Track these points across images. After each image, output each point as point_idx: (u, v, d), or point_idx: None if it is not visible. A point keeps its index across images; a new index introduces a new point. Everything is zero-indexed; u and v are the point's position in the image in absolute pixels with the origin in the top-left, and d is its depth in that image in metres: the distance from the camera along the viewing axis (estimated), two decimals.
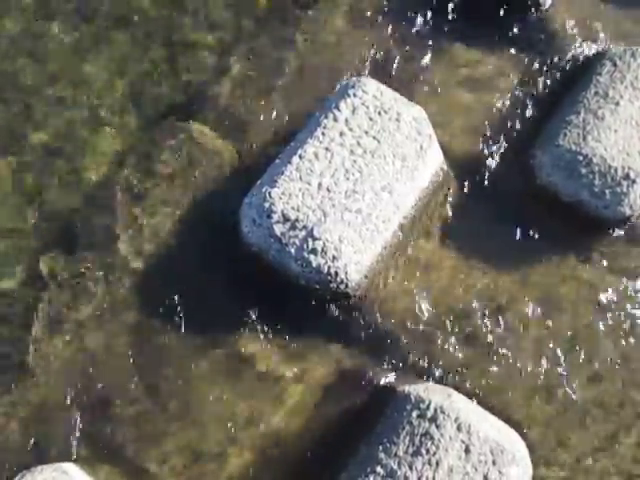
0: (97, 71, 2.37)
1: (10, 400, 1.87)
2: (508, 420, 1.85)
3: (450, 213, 2.19)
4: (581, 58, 2.50)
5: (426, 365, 1.96)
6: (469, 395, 1.88)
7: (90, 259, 2.06)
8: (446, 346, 1.99)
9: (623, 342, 2.04)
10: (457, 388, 1.89)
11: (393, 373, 1.95)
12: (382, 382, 1.93)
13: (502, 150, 2.31)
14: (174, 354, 1.94)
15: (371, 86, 2.16)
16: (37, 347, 1.93)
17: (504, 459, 1.72)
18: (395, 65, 2.45)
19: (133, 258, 2.06)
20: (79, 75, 2.36)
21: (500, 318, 2.05)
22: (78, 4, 2.49)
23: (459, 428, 1.74)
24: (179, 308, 1.99)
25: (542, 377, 1.97)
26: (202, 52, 2.43)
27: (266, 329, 1.98)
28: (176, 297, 2.00)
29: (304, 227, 1.92)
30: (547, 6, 2.60)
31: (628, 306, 2.09)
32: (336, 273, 1.92)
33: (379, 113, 2.12)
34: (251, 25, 2.50)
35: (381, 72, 2.41)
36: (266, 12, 2.54)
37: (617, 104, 2.23)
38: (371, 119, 2.11)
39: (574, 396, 1.95)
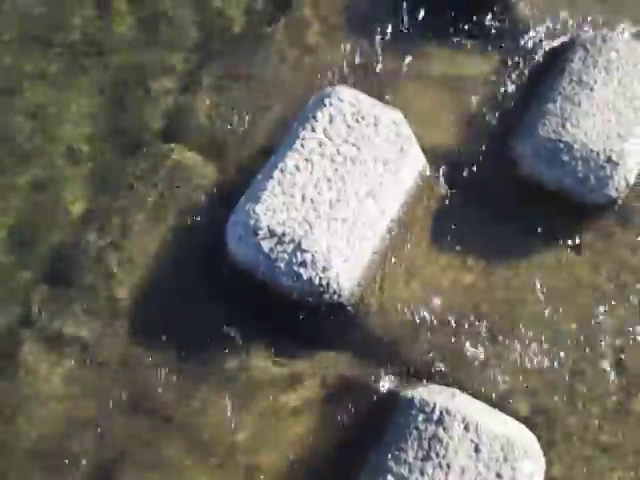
0: (72, 103, 2.36)
1: None
2: (515, 416, 1.83)
3: (437, 212, 2.19)
4: (552, 47, 2.51)
5: (428, 367, 1.94)
6: (473, 394, 1.86)
7: (76, 287, 2.03)
8: (446, 346, 1.97)
9: (625, 329, 2.03)
10: (461, 387, 1.87)
11: (395, 379, 1.93)
12: (385, 389, 1.91)
13: (483, 145, 2.32)
14: (170, 377, 1.91)
15: (346, 94, 2.16)
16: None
17: (516, 454, 1.70)
18: (369, 72, 2.46)
19: (120, 285, 2.04)
20: (55, 107, 2.35)
21: (498, 315, 2.03)
22: (49, 36, 2.49)
23: (467, 428, 1.72)
24: (172, 333, 1.97)
25: (547, 371, 1.95)
26: (175, 74, 2.43)
27: (263, 347, 1.95)
28: (168, 322, 1.98)
29: (291, 241, 1.91)
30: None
31: (626, 291, 2.08)
32: (328, 284, 1.91)
33: (356, 120, 2.12)
34: (223, 44, 2.51)
35: (356, 80, 2.41)
36: (238, 31, 2.54)
37: (592, 89, 2.23)
38: (349, 126, 2.10)
39: (581, 390, 1.93)
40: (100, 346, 1.95)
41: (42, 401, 1.88)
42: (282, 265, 1.89)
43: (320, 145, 2.06)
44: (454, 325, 2.01)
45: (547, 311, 2.04)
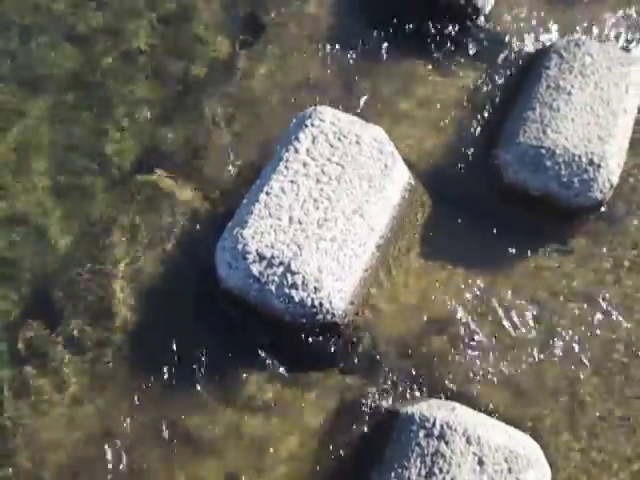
0: (57, 136, 2.37)
1: None
2: (517, 426, 1.82)
3: (425, 225, 2.19)
4: (528, 55, 2.55)
5: (426, 382, 1.93)
6: (474, 406, 1.84)
7: (68, 321, 2.01)
8: (442, 360, 1.96)
9: (621, 332, 2.02)
10: (460, 401, 1.86)
11: (394, 395, 1.91)
12: (384, 406, 1.89)
13: (466, 156, 2.33)
14: (162, 402, 1.89)
15: (327, 113, 2.17)
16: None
17: (519, 465, 1.68)
18: (349, 91, 2.48)
19: (109, 317, 2.02)
20: (39, 141, 2.36)
21: (493, 324, 2.02)
22: (33, 72, 2.52)
23: (468, 441, 1.70)
24: (165, 362, 1.95)
25: (546, 379, 1.94)
26: (156, 104, 2.45)
27: (259, 371, 1.93)
28: (161, 351, 1.96)
29: (281, 263, 1.90)
30: (487, 11, 2.66)
31: (618, 291, 2.08)
32: (321, 304, 1.89)
33: (339, 138, 2.13)
34: (202, 73, 2.53)
35: (337, 99, 2.43)
36: (216, 57, 2.57)
37: (569, 93, 2.26)
38: (332, 145, 2.11)
39: (577, 396, 1.92)
40: (91, 378, 1.93)
41: (55, 426, 1.86)
42: (273, 288, 1.88)
43: (304, 166, 2.07)
44: (450, 338, 2.00)
45: (542, 317, 2.03)
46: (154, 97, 2.47)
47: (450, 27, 2.61)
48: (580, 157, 2.12)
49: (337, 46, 2.59)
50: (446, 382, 1.93)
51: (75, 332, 2.00)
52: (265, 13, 2.67)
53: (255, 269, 1.90)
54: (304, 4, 2.70)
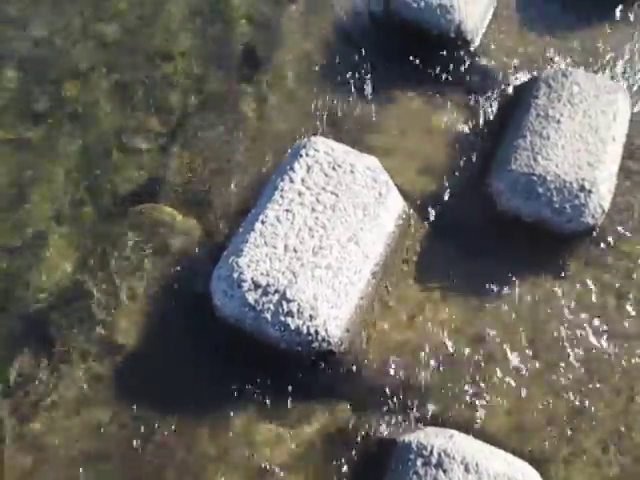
0: (53, 168, 2.40)
1: None
2: (516, 454, 1.80)
3: (420, 253, 2.21)
4: (517, 85, 2.61)
5: (422, 410, 1.92)
6: (472, 434, 1.83)
7: (63, 350, 2.00)
8: (440, 387, 1.95)
9: (617, 359, 2.02)
10: (458, 428, 1.84)
11: (391, 424, 1.89)
12: (381, 435, 1.87)
13: (459, 184, 2.36)
14: (157, 434, 1.87)
15: (321, 144, 2.21)
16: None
17: None
18: (343, 121, 2.52)
19: (106, 346, 2.01)
20: (35, 172, 2.39)
21: (489, 352, 2.02)
22: (32, 103, 2.56)
23: (467, 469, 1.68)
24: (161, 391, 1.94)
25: (543, 407, 1.93)
26: (153, 134, 2.49)
27: (254, 399, 1.92)
28: (157, 381, 1.95)
29: (276, 291, 1.91)
30: (477, 43, 2.73)
31: (612, 317, 2.09)
32: (316, 332, 1.89)
33: (333, 168, 2.16)
34: (198, 104, 2.58)
35: (331, 130, 2.48)
36: (212, 89, 2.62)
37: (559, 122, 2.30)
38: (326, 175, 2.14)
39: (576, 424, 1.90)
40: (85, 409, 1.91)
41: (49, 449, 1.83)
42: (268, 316, 1.89)
43: (299, 195, 2.09)
44: (446, 365, 1.99)
45: (537, 344, 2.03)
46: (151, 128, 2.51)
47: (441, 59, 2.67)
48: (571, 183, 2.16)
49: (331, 79, 2.64)
50: (443, 410, 1.92)
51: (70, 361, 1.99)
52: (261, 48, 2.74)
53: (250, 297, 1.90)
54: (299, 39, 2.77)
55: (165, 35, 2.80)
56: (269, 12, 2.89)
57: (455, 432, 1.80)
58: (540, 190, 2.17)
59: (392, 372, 1.98)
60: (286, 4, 2.90)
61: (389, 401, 1.93)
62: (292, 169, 2.14)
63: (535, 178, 2.18)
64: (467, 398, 1.93)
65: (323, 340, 1.90)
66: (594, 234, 2.21)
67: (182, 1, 2.93)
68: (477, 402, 1.93)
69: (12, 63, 2.69)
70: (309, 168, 2.15)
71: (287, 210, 2.06)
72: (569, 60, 2.71)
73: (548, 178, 2.17)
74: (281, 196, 2.08)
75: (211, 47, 2.76)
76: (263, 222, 2.03)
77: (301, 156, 2.17)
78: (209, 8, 2.91)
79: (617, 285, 2.15)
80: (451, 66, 2.66)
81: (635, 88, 2.62)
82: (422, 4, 2.64)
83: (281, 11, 2.88)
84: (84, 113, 2.55)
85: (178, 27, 2.83)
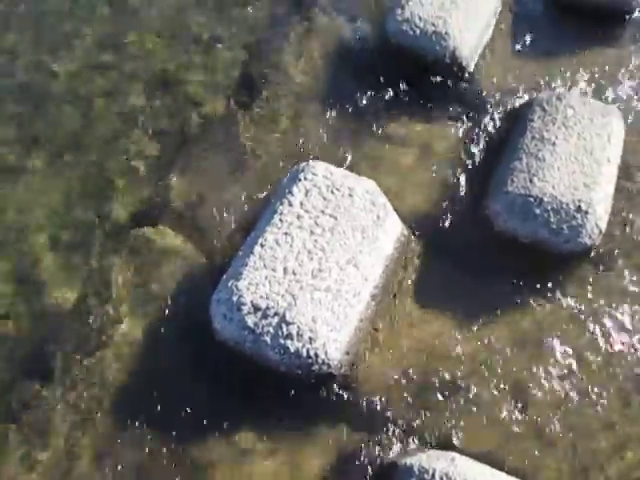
0: (56, 192, 2.43)
1: None
2: (518, 476, 1.78)
3: (418, 275, 2.21)
4: (512, 108, 2.65)
5: (424, 433, 1.90)
6: (472, 456, 1.81)
7: (63, 377, 2.00)
8: (440, 410, 1.94)
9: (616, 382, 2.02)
10: (460, 451, 1.83)
11: (392, 447, 1.88)
12: (382, 459, 1.86)
13: (456, 206, 2.38)
14: (157, 457, 1.86)
15: (320, 167, 2.23)
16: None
17: None
18: (341, 147, 2.55)
19: (107, 371, 2.00)
20: (39, 197, 2.41)
21: (489, 374, 2.01)
22: (34, 130, 2.60)
23: None
24: (161, 414, 1.92)
25: (545, 430, 1.91)
26: (154, 160, 2.52)
27: (254, 423, 1.91)
28: (157, 403, 1.94)
29: (276, 314, 1.91)
30: (472, 68, 2.78)
31: (612, 337, 2.09)
32: (316, 355, 1.89)
33: (332, 191, 2.18)
34: (196, 130, 2.61)
35: (329, 155, 2.50)
36: (210, 115, 2.66)
37: (554, 144, 2.33)
38: (325, 198, 2.16)
39: (579, 448, 1.89)
40: (85, 432, 1.90)
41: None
42: (268, 339, 1.88)
43: (298, 218, 2.11)
44: (447, 388, 1.98)
45: (537, 366, 2.03)
46: (151, 154, 2.54)
47: (437, 83, 2.72)
48: (568, 204, 2.17)
49: (328, 104, 2.68)
50: (445, 432, 1.90)
51: (70, 387, 1.98)
52: (259, 74, 2.79)
53: (250, 320, 1.91)
54: (297, 65, 2.82)
55: (164, 62, 2.85)
56: (267, 39, 2.94)
57: (457, 455, 1.78)
58: (537, 211, 2.18)
59: (392, 394, 1.97)
60: (284, 32, 2.96)
61: (390, 424, 1.92)
62: (291, 193, 2.16)
63: (532, 199, 2.20)
64: (469, 420, 1.92)
65: (323, 363, 1.90)
66: (592, 255, 2.22)
67: (181, 29, 2.99)
68: (480, 424, 1.92)
69: (12, 89, 2.74)
70: (308, 192, 2.17)
71: (286, 233, 2.07)
72: (563, 83, 2.76)
73: (545, 199, 2.19)
74: (280, 219, 2.10)
75: (210, 74, 2.81)
76: (262, 245, 2.04)
77: (300, 180, 2.19)
78: (208, 35, 2.97)
79: (616, 305, 2.15)
80: (447, 90, 2.71)
81: (628, 110, 2.65)
82: (417, 31, 2.69)
83: (279, 38, 2.94)
84: (84, 139, 2.59)
85: (176, 54, 2.88)
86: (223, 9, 3.08)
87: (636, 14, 2.99)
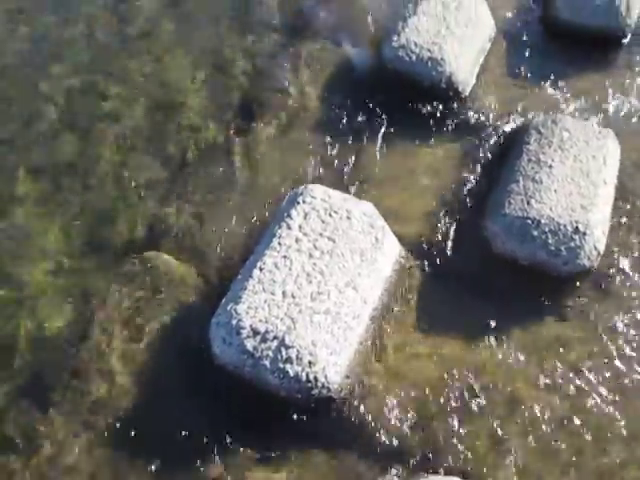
0: (54, 218, 2.43)
1: None
2: None
3: (417, 297, 2.21)
4: (508, 132, 2.67)
5: (424, 458, 1.88)
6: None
7: (61, 402, 1.98)
8: (440, 434, 1.92)
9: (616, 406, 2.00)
10: (463, 475, 1.80)
11: (393, 472, 1.85)
12: None
13: (455, 228, 2.39)
14: None
15: (318, 191, 2.25)
16: None
17: None
18: (339, 169, 2.57)
19: (106, 397, 1.99)
20: (38, 224, 2.42)
21: (490, 397, 2.00)
22: (32, 158, 2.62)
23: None
24: (161, 438, 1.91)
25: (546, 452, 1.89)
26: (153, 184, 2.53)
27: (254, 447, 1.89)
28: (156, 428, 1.93)
29: (275, 337, 1.90)
30: (468, 93, 2.81)
31: (613, 358, 2.08)
32: (316, 378, 1.88)
33: (330, 214, 2.19)
34: (195, 155, 2.63)
35: (327, 178, 2.52)
36: (211, 141, 2.68)
37: (550, 167, 2.35)
38: (323, 221, 2.17)
39: (583, 472, 1.87)
40: (83, 459, 1.88)
41: None
42: (267, 363, 1.87)
43: (297, 241, 2.11)
44: (447, 413, 1.96)
45: (537, 389, 2.01)
46: (149, 179, 2.56)
47: (434, 108, 2.75)
48: (565, 226, 2.18)
49: (327, 128, 2.71)
50: (445, 457, 1.88)
51: (69, 412, 1.97)
52: (258, 99, 2.82)
53: (249, 344, 1.90)
54: (295, 91, 2.85)
55: (165, 88, 2.89)
56: (266, 66, 2.99)
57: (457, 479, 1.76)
58: (535, 233, 2.19)
59: (393, 419, 1.95)
60: (283, 59, 3.01)
61: (392, 448, 1.90)
62: (289, 216, 2.17)
63: (529, 221, 2.21)
64: (469, 445, 1.90)
65: (323, 387, 1.89)
66: (591, 276, 2.23)
67: (181, 55, 3.04)
68: (480, 449, 1.89)
69: (9, 114, 2.76)
70: (306, 215, 2.18)
71: (285, 256, 2.07)
72: (558, 107, 2.79)
73: (542, 221, 2.20)
74: (279, 243, 2.10)
75: (210, 99, 2.85)
76: (261, 269, 2.04)
77: (298, 203, 2.20)
78: (208, 61, 3.01)
79: (616, 326, 2.15)
80: (444, 114, 2.74)
81: (623, 133, 2.68)
82: (414, 57, 2.74)
83: (278, 65, 2.98)
84: (84, 164, 2.61)
85: (177, 80, 2.92)
86: (223, 36, 3.13)
87: (629, 39, 3.05)
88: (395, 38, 2.80)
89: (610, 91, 2.85)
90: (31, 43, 3.06)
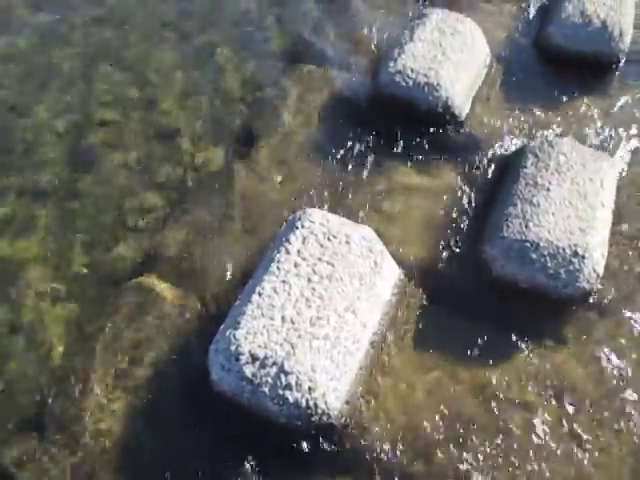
0: (52, 243, 2.43)
1: None
2: None
3: (417, 321, 2.20)
4: (505, 155, 2.69)
5: None
6: None
7: (59, 430, 1.96)
8: (443, 460, 1.90)
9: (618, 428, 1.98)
10: None
11: None
12: None
13: (453, 251, 2.39)
14: None
15: (316, 215, 2.25)
16: None
17: None
18: (337, 195, 2.58)
19: (105, 426, 1.96)
20: (36, 249, 2.41)
21: (489, 424, 1.97)
22: (32, 183, 2.63)
23: None
24: (160, 468, 1.87)
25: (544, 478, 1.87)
26: (152, 210, 2.54)
27: (254, 475, 1.86)
28: (155, 457, 1.90)
29: (274, 363, 1.89)
30: (464, 117, 2.84)
31: (614, 380, 2.06)
32: (316, 405, 1.86)
33: (328, 239, 2.19)
34: (194, 180, 2.65)
35: (326, 203, 2.53)
36: (208, 168, 2.69)
37: (548, 190, 2.36)
38: (322, 245, 2.17)
39: None
40: None
41: None
42: (266, 389, 1.85)
43: (295, 266, 2.11)
44: (447, 438, 1.94)
45: (538, 415, 1.99)
46: (149, 204, 2.56)
47: (431, 131, 2.77)
48: (564, 249, 2.18)
49: (325, 153, 2.73)
50: None
51: (66, 443, 1.94)
52: (257, 126, 2.84)
53: (248, 370, 1.88)
54: (294, 117, 2.88)
55: (164, 115, 2.91)
56: (265, 92, 3.02)
57: None
58: (534, 256, 2.19)
59: (393, 445, 1.93)
60: (281, 85, 3.04)
61: (392, 475, 1.87)
62: (288, 240, 2.17)
63: (528, 244, 2.21)
64: (468, 471, 1.87)
65: (323, 413, 1.87)
66: (590, 299, 2.22)
67: (180, 81, 3.07)
68: (483, 475, 1.87)
69: (18, 145, 2.78)
70: (305, 239, 2.17)
71: (284, 281, 2.07)
72: (553, 131, 2.81)
73: (541, 244, 2.20)
74: (277, 267, 2.10)
75: (208, 126, 2.87)
76: (260, 294, 2.03)
77: (297, 228, 2.20)
78: (207, 88, 3.04)
79: (617, 349, 2.13)
80: (440, 139, 2.76)
81: (619, 156, 2.70)
82: (410, 83, 2.77)
83: (276, 91, 3.01)
84: (83, 191, 2.61)
85: (177, 107, 2.95)
86: (221, 63, 3.17)
87: (622, 63, 3.09)
88: (392, 64, 2.84)
89: (605, 115, 2.87)
90: (33, 74, 3.09)
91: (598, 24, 3.05)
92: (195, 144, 2.78)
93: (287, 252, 2.14)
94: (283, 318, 1.98)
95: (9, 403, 2.04)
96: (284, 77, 3.07)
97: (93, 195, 2.60)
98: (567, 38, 3.08)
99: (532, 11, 3.46)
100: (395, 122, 2.80)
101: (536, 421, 1.98)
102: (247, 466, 1.88)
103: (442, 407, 2.00)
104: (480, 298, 2.25)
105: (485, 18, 3.32)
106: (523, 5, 3.48)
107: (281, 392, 1.85)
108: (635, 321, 2.20)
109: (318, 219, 2.23)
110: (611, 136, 2.80)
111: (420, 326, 2.19)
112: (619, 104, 2.94)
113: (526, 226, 2.25)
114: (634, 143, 2.77)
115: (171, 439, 1.94)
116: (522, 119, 2.86)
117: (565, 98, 2.95)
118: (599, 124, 2.84)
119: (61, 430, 1.96)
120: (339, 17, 3.49)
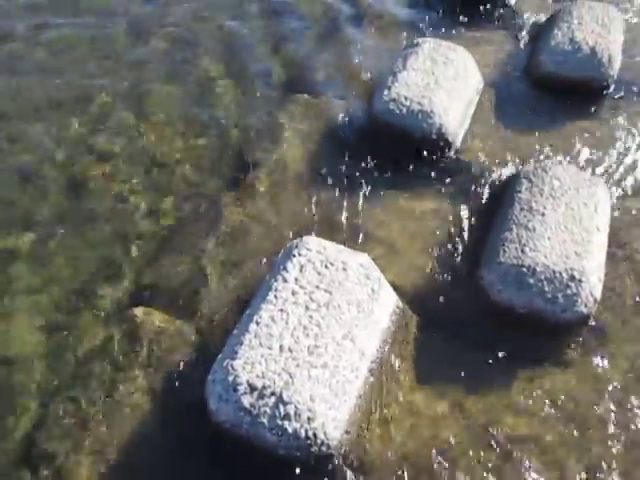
0: (46, 274, 2.43)
1: None
2: None
3: (416, 347, 2.19)
4: (499, 181, 2.72)
5: None
6: None
7: (52, 461, 1.93)
8: None
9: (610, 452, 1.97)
10: None
11: None
12: None
13: (450, 277, 2.39)
14: None
15: (314, 243, 2.26)
16: None
17: None
18: (334, 223, 2.59)
19: (100, 458, 1.93)
20: (29, 280, 2.41)
21: (490, 450, 1.95)
22: (19, 213, 2.64)
23: None
24: None
25: None
26: (147, 240, 2.54)
27: None
28: None
29: (272, 393, 1.87)
30: (459, 144, 2.87)
31: (615, 404, 2.05)
32: (315, 435, 1.83)
33: (326, 266, 2.19)
34: (191, 209, 2.66)
35: (323, 231, 2.54)
36: (205, 195, 2.71)
37: (543, 214, 2.37)
38: (319, 273, 2.17)
39: None
40: None
41: None
42: (265, 420, 1.83)
43: (293, 294, 2.10)
44: (448, 466, 1.91)
45: (539, 441, 1.97)
46: (145, 234, 2.57)
47: (425, 158, 2.80)
48: (561, 273, 2.19)
49: (320, 181, 2.75)
50: None
51: (61, 472, 1.91)
52: (252, 154, 2.87)
53: (246, 401, 1.86)
54: (289, 145, 2.91)
55: (159, 144, 2.93)
56: (260, 120, 3.05)
57: None
58: (531, 281, 2.19)
59: (395, 475, 1.90)
60: (275, 113, 3.07)
61: None
62: (285, 269, 2.17)
63: (525, 269, 2.22)
64: None
65: (322, 444, 1.84)
66: (589, 323, 2.22)
67: (176, 110, 3.10)
68: None
69: (7, 174, 2.79)
70: (302, 267, 2.17)
71: (281, 310, 2.06)
72: (547, 156, 2.85)
73: (537, 269, 2.21)
74: (275, 296, 2.09)
75: (205, 154, 2.89)
76: (257, 323, 2.03)
77: (294, 256, 2.20)
78: (202, 117, 3.07)
79: (617, 374, 2.12)
80: (435, 165, 2.78)
81: (613, 180, 2.73)
82: (404, 110, 2.80)
83: (271, 119, 3.04)
84: (77, 221, 2.62)
85: (172, 135, 2.97)
86: (217, 93, 3.21)
87: (612, 89, 3.14)
88: (386, 92, 2.88)
89: (596, 140, 2.91)
90: (31, 108, 3.12)
91: (587, 51, 3.11)
92: (190, 173, 2.80)
93: (284, 280, 2.13)
94: (281, 347, 1.97)
95: (2, 434, 2.01)
96: (280, 106, 3.11)
97: (87, 224, 2.60)
98: (557, 65, 3.14)
99: (523, 39, 3.54)
100: (390, 149, 2.83)
101: (535, 446, 1.95)
102: None
103: (441, 435, 1.98)
104: (478, 324, 2.25)
105: (477, 46, 3.38)
106: (514, 33, 3.55)
107: (280, 422, 1.83)
108: (633, 344, 2.19)
109: (315, 247, 2.24)
110: (603, 160, 2.83)
111: (418, 353, 2.17)
112: (610, 128, 2.98)
113: (522, 251, 2.26)
114: (626, 167, 2.80)
115: (168, 470, 1.91)
116: (515, 144, 2.89)
117: (557, 123, 2.99)
118: (591, 148, 2.87)
119: (52, 462, 1.93)
120: (334, 47, 3.56)
